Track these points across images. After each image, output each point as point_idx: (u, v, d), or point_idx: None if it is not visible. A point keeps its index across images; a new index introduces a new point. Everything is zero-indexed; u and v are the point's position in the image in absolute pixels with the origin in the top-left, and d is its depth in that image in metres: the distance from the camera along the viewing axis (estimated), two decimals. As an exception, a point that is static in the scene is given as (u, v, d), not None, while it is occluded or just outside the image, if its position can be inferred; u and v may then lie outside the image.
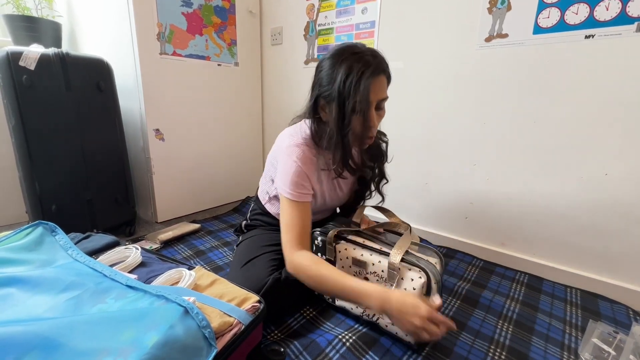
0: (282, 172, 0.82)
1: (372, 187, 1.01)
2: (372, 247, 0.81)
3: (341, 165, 0.80)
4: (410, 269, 0.73)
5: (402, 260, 0.74)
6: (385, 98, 0.77)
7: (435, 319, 0.61)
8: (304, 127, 0.85)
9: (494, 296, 1.01)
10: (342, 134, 0.75)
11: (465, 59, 1.18)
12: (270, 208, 1.01)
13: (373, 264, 0.79)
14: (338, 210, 1.12)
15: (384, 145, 0.95)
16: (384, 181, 1.00)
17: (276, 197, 0.95)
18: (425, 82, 1.30)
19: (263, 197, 1.03)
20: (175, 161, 1.53)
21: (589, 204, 1.03)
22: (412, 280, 0.72)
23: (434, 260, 0.76)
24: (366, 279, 0.80)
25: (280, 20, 1.72)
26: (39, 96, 1.08)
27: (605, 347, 0.78)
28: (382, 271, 0.77)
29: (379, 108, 0.77)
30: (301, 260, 0.76)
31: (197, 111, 1.58)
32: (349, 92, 0.70)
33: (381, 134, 0.94)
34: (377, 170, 0.96)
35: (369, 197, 1.04)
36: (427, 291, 0.71)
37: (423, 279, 0.71)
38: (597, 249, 1.05)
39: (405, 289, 0.73)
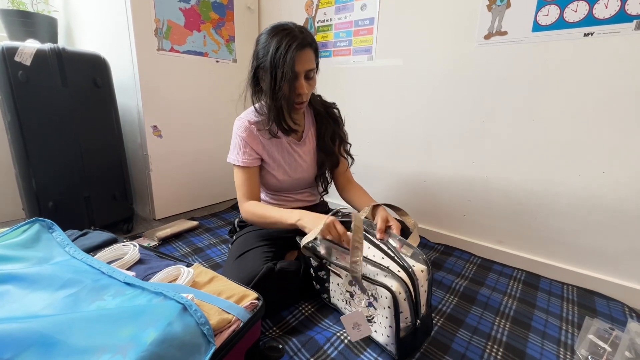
0: (231, 145, 0.97)
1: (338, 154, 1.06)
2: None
3: (275, 126, 0.91)
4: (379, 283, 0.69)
5: (365, 277, 0.70)
6: (313, 68, 0.87)
7: (334, 227, 0.78)
8: (251, 107, 0.97)
9: (491, 293, 1.01)
10: (274, 99, 0.85)
11: (464, 56, 1.18)
12: None
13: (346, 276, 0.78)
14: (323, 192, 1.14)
15: (336, 111, 1.06)
16: (348, 144, 1.08)
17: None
18: (424, 79, 1.29)
19: None
20: (173, 158, 1.52)
21: (587, 201, 1.04)
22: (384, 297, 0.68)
23: (420, 267, 0.73)
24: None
25: (278, 17, 1.70)
26: (35, 92, 1.07)
27: (601, 343, 0.79)
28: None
29: (309, 77, 0.87)
30: (249, 206, 0.93)
31: (195, 108, 1.57)
32: (279, 63, 0.80)
33: (331, 103, 1.06)
34: (336, 135, 1.04)
35: (337, 163, 1.07)
36: (395, 307, 0.66)
37: (389, 299, 0.67)
38: (594, 247, 1.05)
39: (381, 299, 0.69)
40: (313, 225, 0.79)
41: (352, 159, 1.10)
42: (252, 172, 0.95)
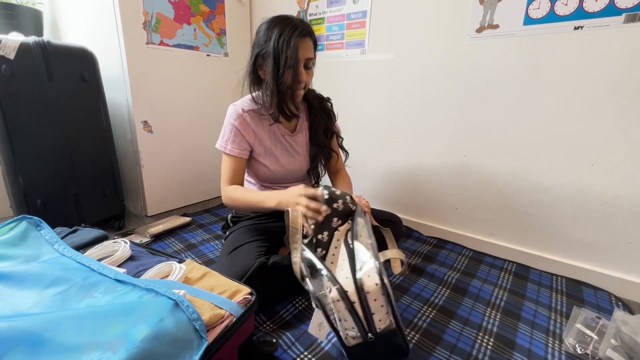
0: (221, 131, 0.97)
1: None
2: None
3: (277, 111, 0.91)
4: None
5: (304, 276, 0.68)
6: (312, 58, 0.89)
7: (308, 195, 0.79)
8: (248, 96, 0.98)
9: (482, 285, 1.03)
10: (277, 84, 0.87)
11: (456, 49, 1.18)
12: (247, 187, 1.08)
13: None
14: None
15: (330, 105, 1.07)
16: (340, 138, 1.11)
17: (250, 175, 1.06)
18: (417, 73, 1.29)
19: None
20: (164, 153, 1.51)
21: (576, 194, 1.05)
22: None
23: (375, 280, 0.62)
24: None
25: (270, 10, 1.68)
26: (20, 87, 1.04)
27: (588, 332, 0.81)
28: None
29: (307, 67, 0.89)
30: (231, 190, 0.94)
31: (186, 102, 1.54)
32: (282, 48, 0.82)
33: (325, 98, 1.07)
34: (329, 129, 1.05)
35: (329, 157, 1.09)
36: (323, 310, 0.63)
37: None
38: (582, 238, 1.07)
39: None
40: (288, 204, 0.80)
41: (347, 153, 1.12)
42: (238, 162, 0.96)
